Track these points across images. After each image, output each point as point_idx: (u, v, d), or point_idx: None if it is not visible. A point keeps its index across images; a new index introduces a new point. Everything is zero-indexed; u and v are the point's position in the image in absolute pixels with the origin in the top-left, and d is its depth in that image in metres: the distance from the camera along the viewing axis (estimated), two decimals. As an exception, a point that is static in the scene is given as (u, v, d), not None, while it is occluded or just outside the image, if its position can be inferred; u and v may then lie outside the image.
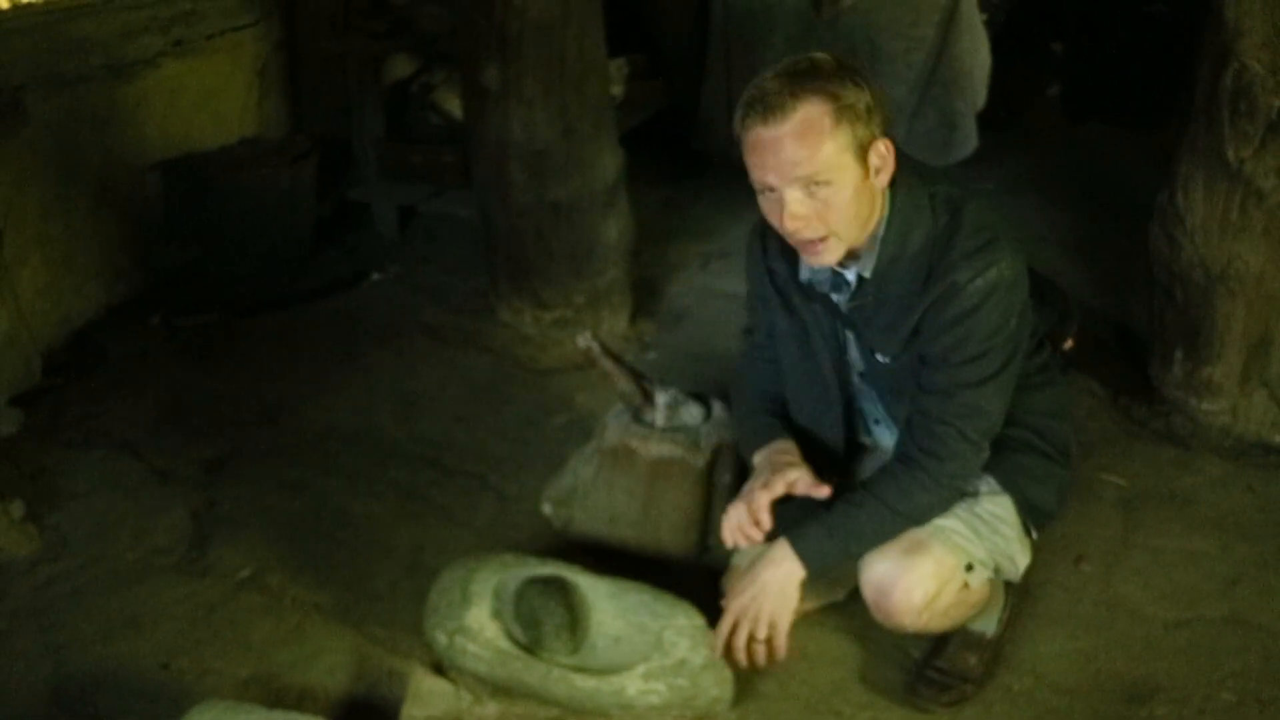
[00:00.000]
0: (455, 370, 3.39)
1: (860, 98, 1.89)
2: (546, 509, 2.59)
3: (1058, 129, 5.28)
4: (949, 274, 1.95)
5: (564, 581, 2.22)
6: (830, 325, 2.17)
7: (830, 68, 1.89)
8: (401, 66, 4.34)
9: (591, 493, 2.49)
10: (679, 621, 2.15)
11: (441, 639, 2.19)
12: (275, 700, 2.17)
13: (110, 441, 3.12)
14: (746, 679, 2.23)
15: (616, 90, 4.20)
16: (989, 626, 2.26)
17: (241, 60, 4.40)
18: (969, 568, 2.11)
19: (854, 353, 2.19)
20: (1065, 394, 2.37)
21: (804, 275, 2.14)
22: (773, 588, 2.06)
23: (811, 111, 1.86)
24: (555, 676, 2.11)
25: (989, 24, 4.52)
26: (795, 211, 1.91)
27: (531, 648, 2.17)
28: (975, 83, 4.50)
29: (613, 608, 2.21)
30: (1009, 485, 2.18)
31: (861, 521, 2.07)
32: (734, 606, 2.08)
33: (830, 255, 1.98)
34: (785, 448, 2.24)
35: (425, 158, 4.20)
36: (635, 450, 2.45)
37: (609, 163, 3.39)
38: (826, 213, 1.92)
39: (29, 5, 3.69)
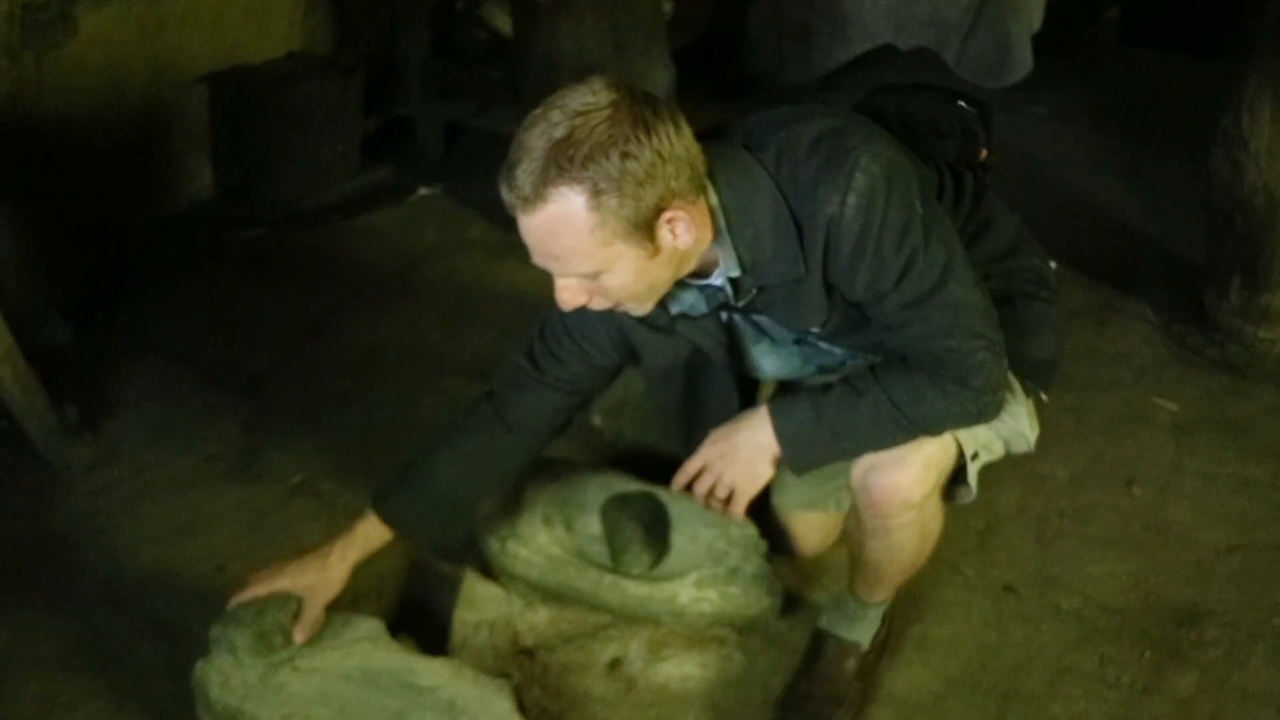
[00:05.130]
0: (504, 286, 3.37)
1: (631, 168, 1.51)
2: (596, 420, 2.59)
3: (1114, 54, 5.17)
4: (817, 214, 1.63)
5: (647, 498, 2.22)
6: (722, 332, 1.90)
7: (593, 136, 1.49)
8: (448, -18, 4.30)
9: (644, 405, 2.48)
10: (731, 531, 2.16)
11: (494, 545, 2.21)
12: (329, 603, 2.19)
13: (160, 352, 3.14)
14: (799, 588, 2.25)
15: (666, 8, 4.14)
16: (863, 636, 2.07)
17: (288, -26, 4.36)
18: (974, 456, 1.90)
19: (777, 332, 1.93)
20: (1012, 221, 2.01)
21: (675, 308, 1.83)
22: (742, 455, 1.85)
23: (563, 207, 1.51)
24: (607, 583, 2.13)
25: (1047, -56, 4.43)
26: (566, 300, 1.64)
27: (609, 563, 2.18)
28: (1031, 4, 4.42)
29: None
30: None
31: (859, 413, 1.78)
32: (704, 452, 1.88)
33: (641, 309, 1.72)
34: (344, 555, 1.97)
35: (472, 74, 4.17)
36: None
37: (659, 78, 3.36)
38: (607, 293, 1.64)
39: (77, -85, 3.66)
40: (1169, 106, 4.42)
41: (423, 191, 3.93)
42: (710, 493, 1.88)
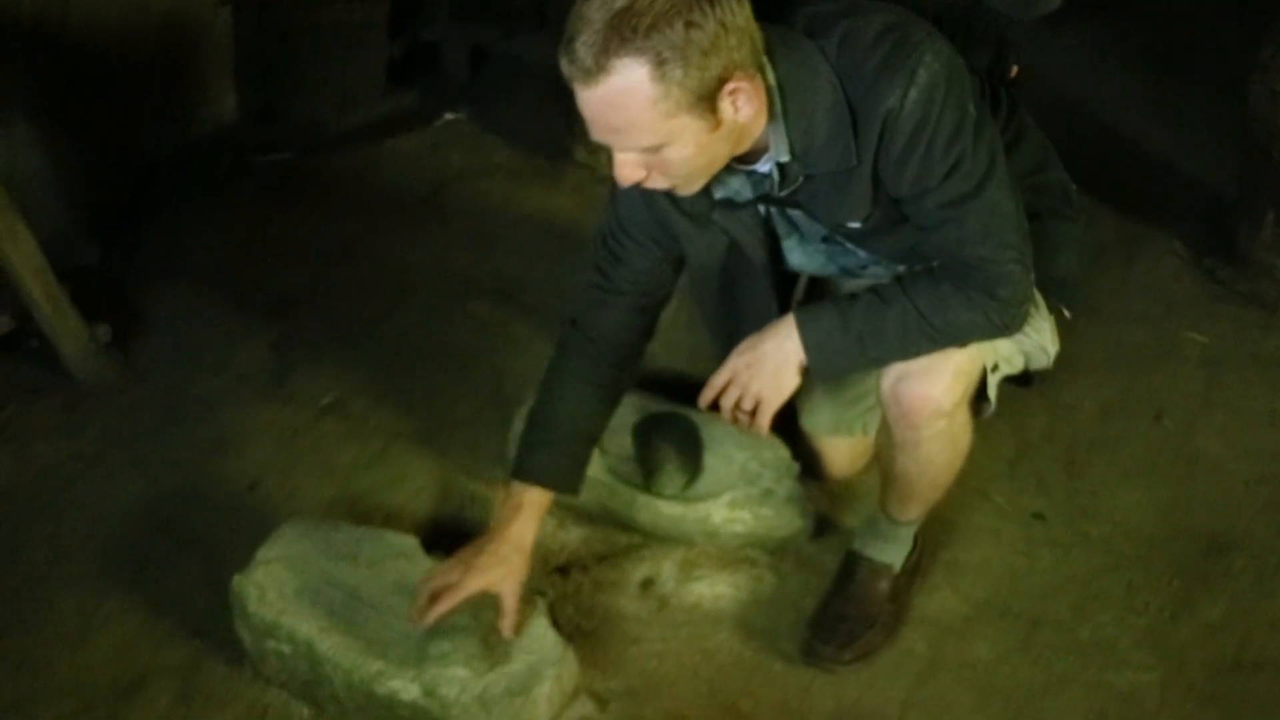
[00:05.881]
0: (531, 210, 3.36)
1: (695, 37, 1.50)
2: (626, 346, 2.59)
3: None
4: (877, 105, 1.62)
5: (679, 419, 2.22)
6: (762, 229, 1.90)
7: (656, 6, 1.48)
8: (474, -97, 4.23)
9: (672, 328, 2.48)
10: (764, 453, 2.17)
11: (526, 465, 2.21)
12: (362, 521, 2.21)
13: (187, 274, 3.14)
14: (829, 511, 2.26)
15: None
16: (896, 558, 2.08)
17: (312, -108, 4.29)
18: (994, 368, 1.91)
19: (809, 228, 1.91)
20: (1041, 138, 2.02)
21: (719, 193, 1.83)
22: (768, 364, 1.82)
23: (626, 79, 1.50)
24: (640, 503, 2.14)
25: None
26: (625, 175, 1.64)
27: (642, 484, 2.19)
28: (1064, -66, 4.33)
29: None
30: None
31: (886, 321, 1.77)
32: (731, 363, 1.86)
33: (690, 190, 1.72)
34: (520, 535, 1.92)
35: (497, -1, 4.12)
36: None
37: None
38: (666, 168, 1.64)
39: None
40: (1201, 39, 4.35)
41: (448, 117, 3.89)
42: (737, 406, 1.87)
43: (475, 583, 1.86)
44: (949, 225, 1.71)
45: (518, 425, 2.25)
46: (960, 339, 1.80)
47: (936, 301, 1.75)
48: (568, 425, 1.99)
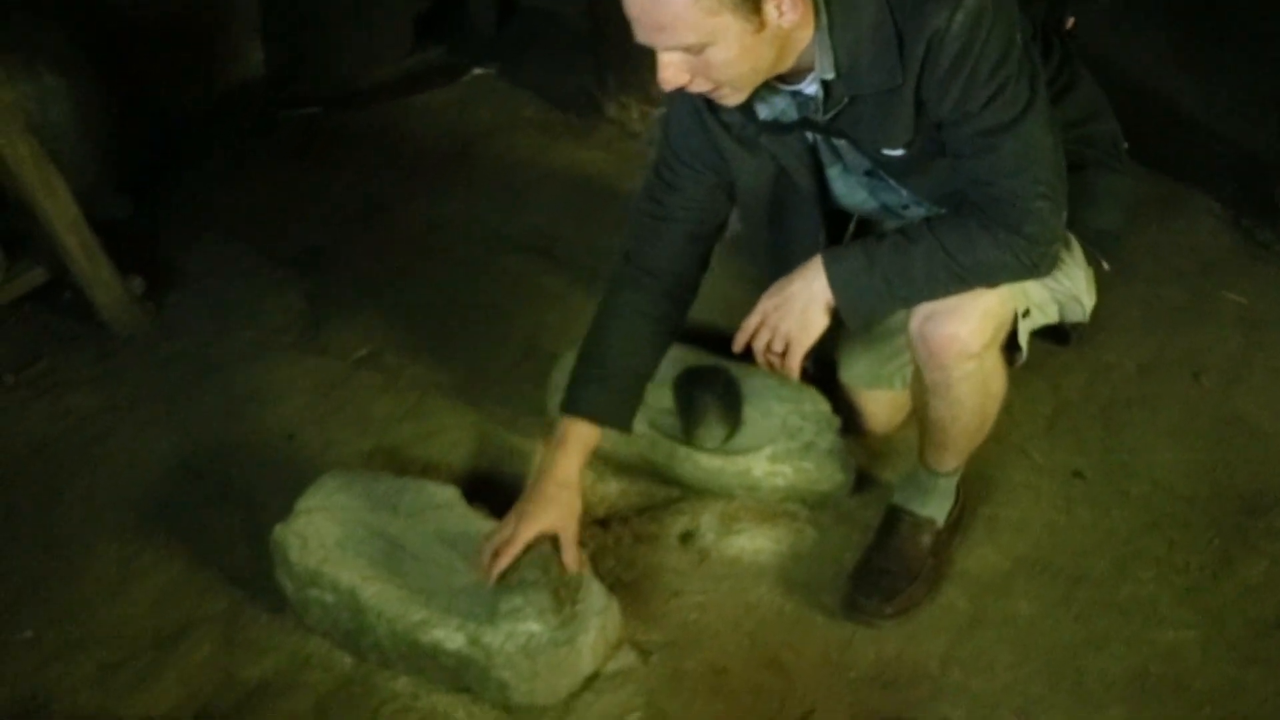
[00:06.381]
0: (561, 166, 3.33)
1: None
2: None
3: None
4: (923, 26, 1.61)
5: (719, 372, 2.22)
6: (808, 156, 1.90)
7: None
8: None
9: (713, 283, 2.45)
10: (805, 407, 2.16)
11: (565, 417, 2.21)
12: (400, 472, 2.21)
13: (219, 228, 3.14)
14: (869, 467, 2.25)
15: None
16: (938, 512, 2.08)
17: None
18: (1025, 314, 1.89)
19: (852, 159, 1.91)
20: (1094, 89, 2.01)
21: (765, 113, 1.83)
22: (796, 304, 1.82)
23: None
24: (681, 456, 2.14)
25: None
26: (668, 78, 1.63)
27: (681, 436, 2.18)
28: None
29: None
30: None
31: (912, 260, 1.76)
32: (761, 306, 1.87)
33: (734, 99, 1.71)
34: (567, 472, 1.93)
35: (525, -48, 4.09)
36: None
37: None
38: (709, 71, 1.63)
39: None
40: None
41: (476, 72, 3.86)
42: (768, 349, 1.87)
43: (529, 530, 1.87)
44: (984, 154, 1.70)
45: (556, 377, 2.24)
46: (988, 279, 1.78)
47: (963, 240, 1.74)
48: (620, 360, 1.98)
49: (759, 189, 1.97)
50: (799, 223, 2.00)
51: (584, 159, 3.34)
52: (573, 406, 1.96)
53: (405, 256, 2.97)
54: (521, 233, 3.02)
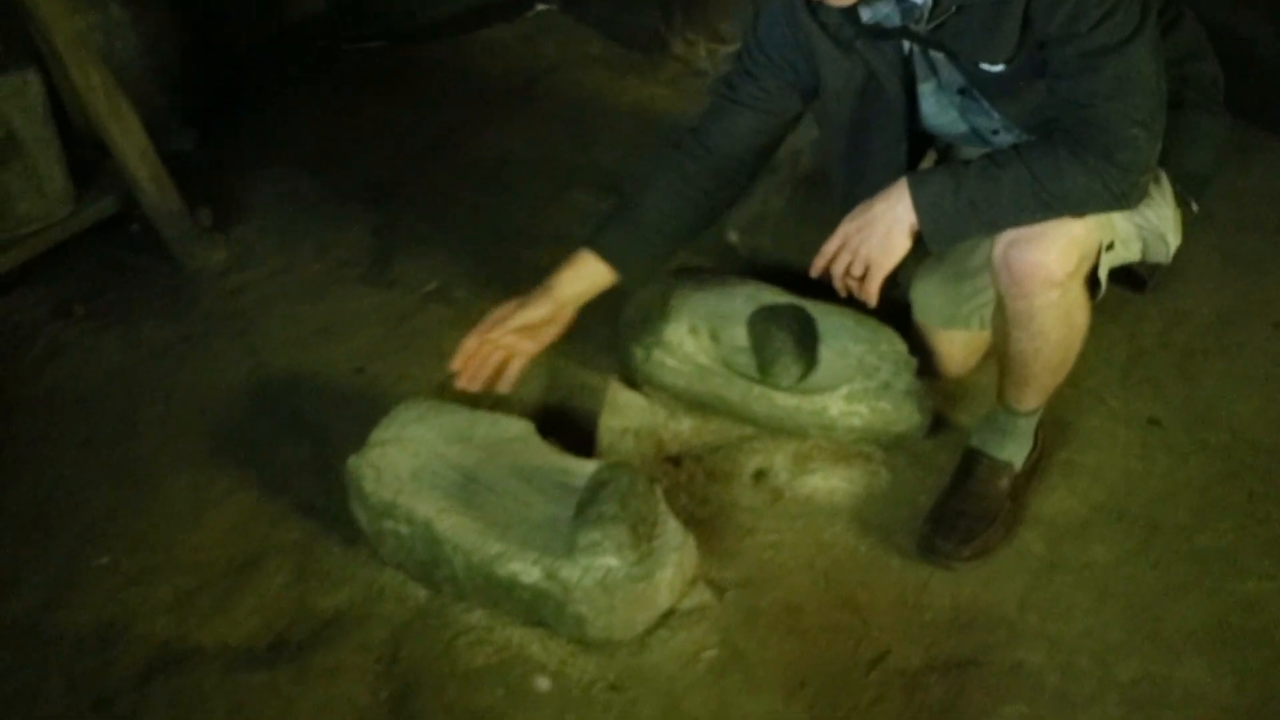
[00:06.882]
0: (628, 103, 3.30)
1: None
2: (732, 237, 2.55)
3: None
4: None
5: (795, 310, 2.19)
6: (902, 66, 1.89)
7: None
8: None
9: (783, 221, 2.44)
10: (882, 347, 2.13)
11: (639, 353, 2.20)
12: (472, 406, 2.20)
13: (285, 161, 3.14)
14: (943, 409, 2.23)
15: None
16: (1016, 456, 2.04)
17: None
18: (1109, 246, 1.86)
19: (948, 75, 1.88)
20: (1198, 29, 1.96)
21: (867, 16, 1.81)
22: (879, 226, 1.80)
23: None
24: (756, 394, 2.12)
25: None
26: None
27: (756, 375, 2.16)
28: None
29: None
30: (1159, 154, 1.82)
31: (999, 185, 1.74)
32: (842, 229, 1.85)
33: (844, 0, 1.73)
34: (564, 295, 2.03)
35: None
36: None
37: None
38: None
39: None
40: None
41: (540, 7, 3.83)
42: (847, 273, 1.85)
43: (519, 319, 2.00)
44: (1085, 75, 1.67)
45: (628, 311, 2.23)
46: (1075, 207, 1.75)
47: (1052, 167, 1.71)
48: (652, 212, 2.03)
49: (845, 94, 1.96)
50: (881, 138, 1.98)
51: (650, 96, 3.30)
52: (592, 241, 2.03)
53: (474, 190, 2.95)
54: (589, 168, 2.99)
